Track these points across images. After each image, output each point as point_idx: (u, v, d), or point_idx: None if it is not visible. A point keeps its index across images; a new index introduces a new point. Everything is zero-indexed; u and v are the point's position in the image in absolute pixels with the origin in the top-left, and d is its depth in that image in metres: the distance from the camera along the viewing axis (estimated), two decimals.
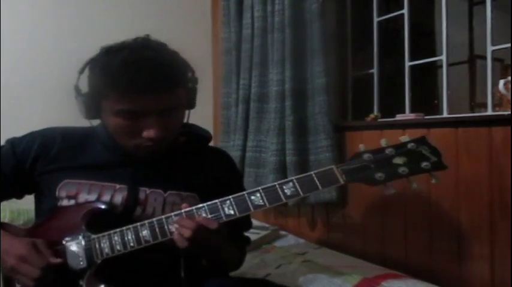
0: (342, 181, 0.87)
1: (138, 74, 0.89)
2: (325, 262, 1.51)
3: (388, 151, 0.88)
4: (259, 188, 0.89)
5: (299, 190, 0.88)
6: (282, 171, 1.89)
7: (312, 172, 0.89)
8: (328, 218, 1.90)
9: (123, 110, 0.93)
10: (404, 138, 0.89)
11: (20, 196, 1.11)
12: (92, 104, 0.97)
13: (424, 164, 0.85)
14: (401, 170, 0.86)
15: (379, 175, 0.86)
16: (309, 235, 1.97)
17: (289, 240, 1.89)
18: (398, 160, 0.87)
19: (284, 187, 0.88)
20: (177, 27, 2.46)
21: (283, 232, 1.98)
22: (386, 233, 1.67)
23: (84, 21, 2.24)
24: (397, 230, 1.62)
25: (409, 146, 0.88)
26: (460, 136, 1.42)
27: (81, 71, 0.99)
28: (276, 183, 0.89)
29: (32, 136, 1.08)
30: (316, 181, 0.87)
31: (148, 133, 0.94)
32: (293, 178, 0.89)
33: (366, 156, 0.89)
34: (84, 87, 0.99)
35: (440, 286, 1.34)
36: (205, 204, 0.91)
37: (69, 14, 2.23)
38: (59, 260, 0.91)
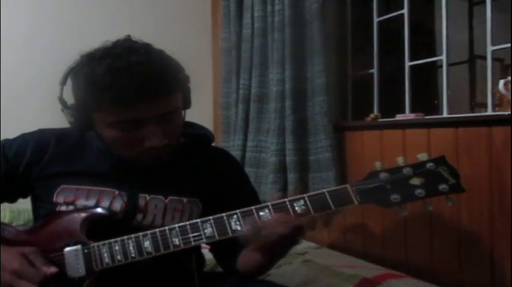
0: (356, 202, 0.83)
1: (128, 81, 0.84)
2: (325, 262, 1.50)
3: (405, 171, 0.84)
4: (269, 203, 0.86)
5: (310, 208, 0.84)
6: (282, 171, 1.89)
7: (324, 190, 0.85)
8: (328, 218, 1.90)
9: (119, 121, 0.88)
10: (422, 156, 0.86)
11: (13, 200, 1.08)
12: (81, 117, 0.92)
13: (442, 186, 0.82)
14: (417, 192, 0.82)
15: (394, 197, 0.83)
16: (309, 235, 1.97)
17: None
18: (415, 181, 0.83)
19: (295, 204, 0.85)
20: (177, 27, 2.46)
21: None
22: (386, 233, 1.67)
23: (83, 20, 2.24)
24: (397, 230, 1.61)
25: (428, 166, 0.84)
26: (460, 136, 1.42)
27: (63, 82, 0.94)
28: (286, 199, 0.86)
29: (24, 140, 1.03)
30: (329, 200, 0.84)
31: (151, 142, 0.89)
32: (305, 195, 0.85)
33: (382, 175, 0.84)
34: (70, 98, 0.94)
35: (440, 286, 1.34)
36: (210, 217, 0.87)
37: (69, 14, 2.23)
38: (55, 269, 0.86)
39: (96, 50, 0.91)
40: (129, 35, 0.95)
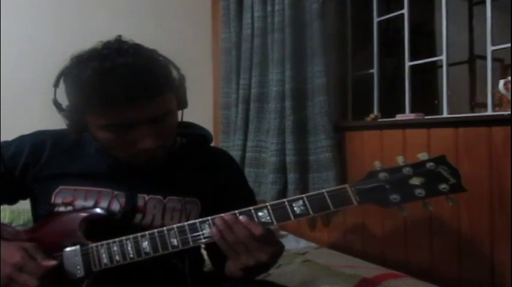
0: (355, 202, 0.82)
1: (115, 84, 0.82)
2: (325, 262, 1.51)
3: (405, 170, 0.83)
4: (268, 204, 0.86)
5: (309, 209, 0.84)
6: (282, 171, 1.89)
7: (324, 190, 0.85)
8: (328, 218, 1.90)
9: (109, 125, 0.87)
10: (423, 155, 0.85)
11: (12, 202, 1.07)
12: (75, 119, 0.92)
13: (442, 186, 0.81)
14: (417, 192, 0.82)
15: (394, 197, 0.82)
16: (309, 235, 1.97)
17: (289, 240, 1.89)
18: (415, 181, 0.82)
19: (294, 205, 0.85)
20: (177, 27, 2.46)
21: (283, 232, 1.98)
22: (386, 233, 1.67)
23: (84, 21, 2.24)
24: (397, 230, 1.62)
25: (428, 165, 0.83)
26: (460, 136, 1.42)
27: (56, 85, 0.92)
28: (285, 199, 0.85)
29: (21, 141, 1.03)
30: (328, 201, 0.83)
31: (143, 145, 0.88)
32: (303, 195, 0.85)
33: (381, 175, 0.83)
34: (65, 100, 0.93)
35: (440, 286, 1.34)
36: (209, 217, 0.86)
37: (70, 14, 2.23)
38: (54, 262, 0.86)
39: (85, 51, 0.90)
40: (119, 35, 0.92)
